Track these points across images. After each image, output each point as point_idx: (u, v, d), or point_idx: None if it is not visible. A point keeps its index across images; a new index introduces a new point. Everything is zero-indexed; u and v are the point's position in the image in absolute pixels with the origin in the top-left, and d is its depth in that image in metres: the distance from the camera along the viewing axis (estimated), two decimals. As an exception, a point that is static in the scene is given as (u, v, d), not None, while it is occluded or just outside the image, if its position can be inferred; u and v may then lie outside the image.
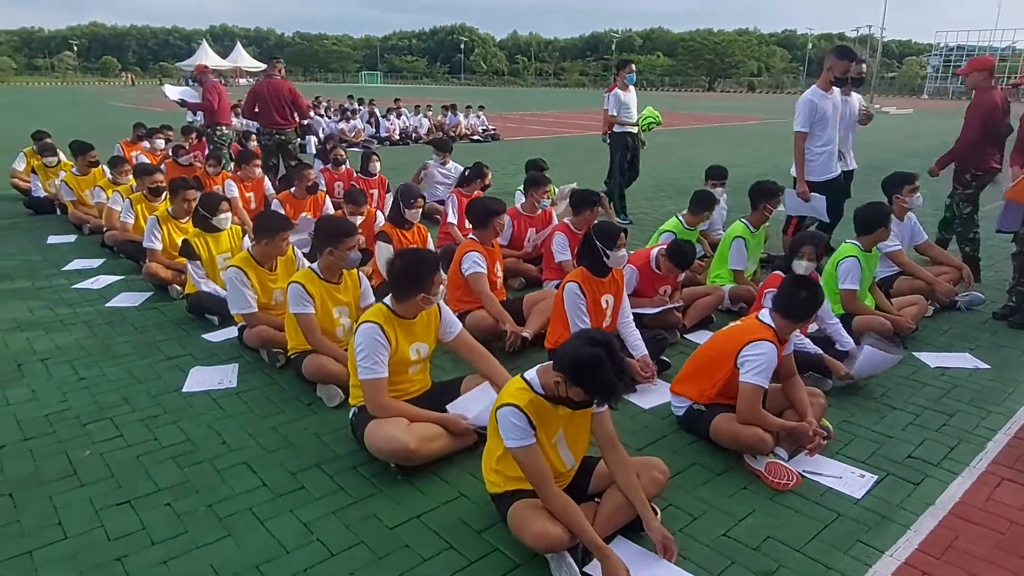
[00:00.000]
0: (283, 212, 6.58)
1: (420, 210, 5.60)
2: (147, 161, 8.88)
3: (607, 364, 2.50)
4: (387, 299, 3.38)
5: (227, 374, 4.25)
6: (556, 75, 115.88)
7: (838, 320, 4.50)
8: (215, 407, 3.87)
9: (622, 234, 4.24)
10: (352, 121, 18.38)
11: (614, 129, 8.84)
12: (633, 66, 8.91)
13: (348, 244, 3.99)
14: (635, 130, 8.95)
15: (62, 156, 8.93)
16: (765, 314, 3.53)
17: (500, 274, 5.11)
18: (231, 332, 4.75)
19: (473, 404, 3.45)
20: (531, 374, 2.77)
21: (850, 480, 3.30)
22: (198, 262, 5.04)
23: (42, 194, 8.71)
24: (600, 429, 2.88)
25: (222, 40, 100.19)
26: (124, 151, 9.47)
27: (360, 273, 4.29)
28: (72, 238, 7.52)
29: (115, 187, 7.09)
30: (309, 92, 30.65)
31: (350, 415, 3.44)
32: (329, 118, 19.12)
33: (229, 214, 5.14)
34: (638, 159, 9.23)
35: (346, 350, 3.92)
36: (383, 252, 5.30)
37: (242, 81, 67.48)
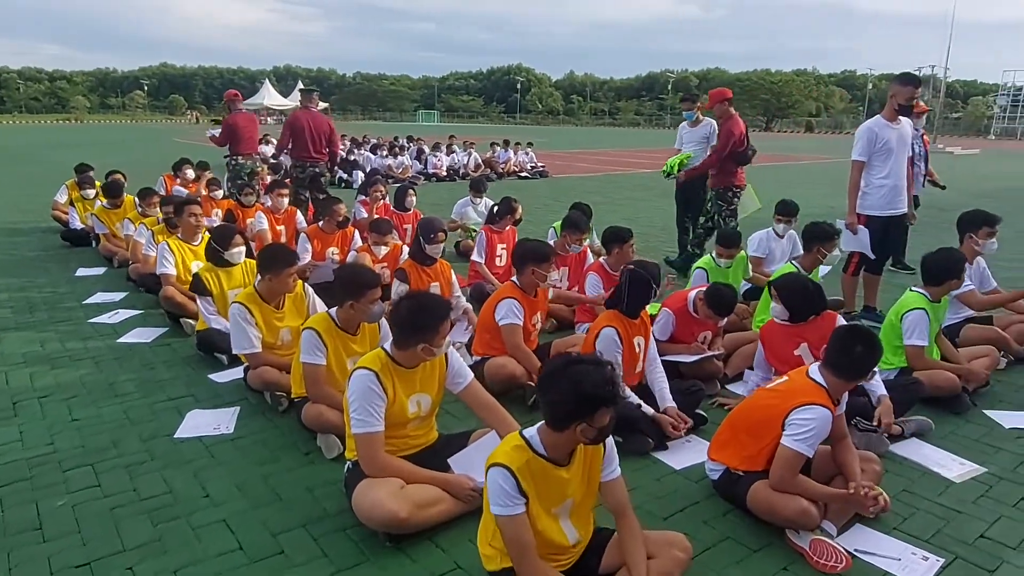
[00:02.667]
0: (309, 246, 6.45)
1: (442, 245, 5.31)
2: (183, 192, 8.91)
3: (595, 369, 2.26)
4: (387, 344, 3.07)
5: (225, 418, 4.00)
6: (611, 114, 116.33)
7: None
8: (206, 454, 3.61)
9: (658, 271, 3.95)
10: (400, 157, 18.45)
11: None
12: (692, 103, 8.06)
13: (371, 297, 3.59)
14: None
15: (102, 188, 9.01)
16: (815, 370, 3.10)
17: (539, 325, 4.69)
18: (238, 372, 4.51)
19: (480, 458, 3.10)
20: (531, 431, 2.44)
21: (911, 563, 2.83)
22: (209, 298, 4.85)
23: (79, 226, 8.78)
24: (612, 496, 2.53)
25: (285, 80, 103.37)
26: (167, 184, 9.55)
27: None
28: (101, 271, 7.48)
29: (142, 219, 7.05)
30: (365, 130, 31.40)
31: (345, 469, 3.13)
32: (376, 154, 19.21)
33: (242, 248, 4.94)
34: (700, 207, 8.04)
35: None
36: (399, 291, 5.03)
37: (302, 119, 69.55)
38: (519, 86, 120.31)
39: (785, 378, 3.23)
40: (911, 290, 4.50)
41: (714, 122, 7.83)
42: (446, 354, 3.16)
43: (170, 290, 5.46)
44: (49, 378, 4.55)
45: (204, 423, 3.94)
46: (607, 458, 2.53)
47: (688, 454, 3.72)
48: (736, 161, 7.34)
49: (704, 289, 4.62)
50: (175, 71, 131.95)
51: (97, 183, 9.09)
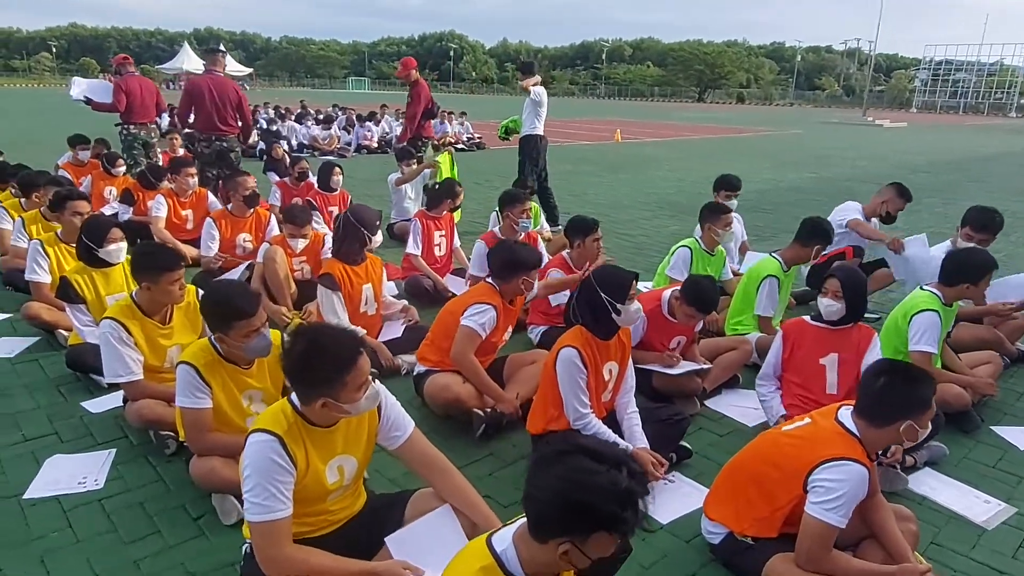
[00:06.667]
0: (216, 234, 5.52)
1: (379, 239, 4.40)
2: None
3: (606, 473, 1.59)
4: (294, 396, 2.26)
5: (95, 466, 3.13)
6: (545, 84, 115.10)
7: None
8: (63, 524, 2.75)
9: (634, 280, 3.18)
10: (329, 129, 17.20)
11: None
12: (524, 74, 8.52)
13: (242, 329, 2.74)
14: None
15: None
16: (847, 415, 2.45)
17: (507, 338, 3.96)
18: (119, 399, 3.58)
19: (430, 545, 2.32)
20: (505, 538, 1.72)
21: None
22: (82, 306, 3.91)
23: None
24: None
25: (207, 43, 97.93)
26: (69, 171, 8.23)
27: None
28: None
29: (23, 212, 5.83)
30: (295, 97, 29.37)
31: (243, 550, 2.34)
32: (302, 124, 17.91)
33: (122, 244, 3.97)
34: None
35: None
36: (328, 302, 4.12)
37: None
38: (452, 53, 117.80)
39: (807, 420, 2.58)
40: (922, 288, 3.85)
41: (540, 91, 8.35)
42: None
43: (35, 307, 4.42)
44: None
45: (67, 475, 3.07)
46: None
47: (675, 501, 3.07)
48: (424, 117, 8.68)
49: (682, 283, 3.95)
50: (86, 32, 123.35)
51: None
